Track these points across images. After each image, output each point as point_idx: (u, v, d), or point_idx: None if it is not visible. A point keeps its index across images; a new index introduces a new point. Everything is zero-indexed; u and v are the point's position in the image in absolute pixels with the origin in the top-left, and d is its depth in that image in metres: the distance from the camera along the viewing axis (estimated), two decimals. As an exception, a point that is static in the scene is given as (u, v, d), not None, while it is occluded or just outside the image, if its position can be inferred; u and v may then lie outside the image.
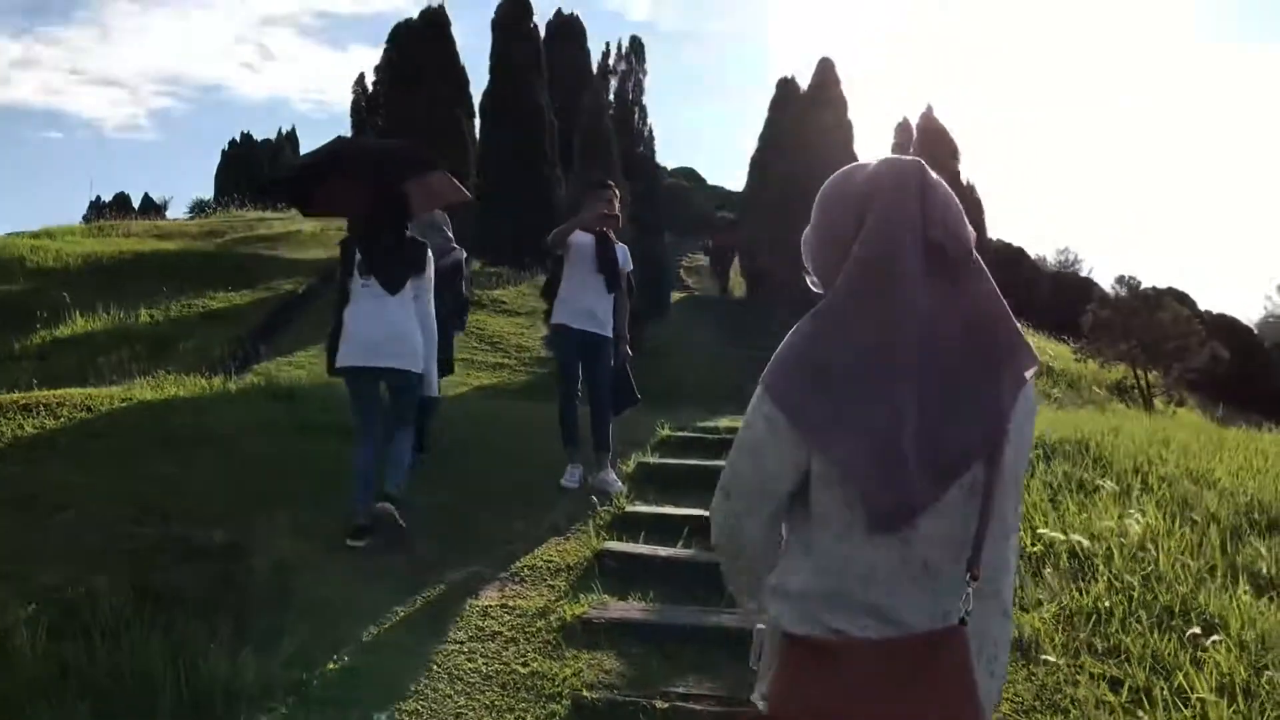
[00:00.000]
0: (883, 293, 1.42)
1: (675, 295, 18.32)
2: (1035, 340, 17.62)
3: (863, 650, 1.38)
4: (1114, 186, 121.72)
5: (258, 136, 41.13)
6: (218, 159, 39.81)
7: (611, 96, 17.36)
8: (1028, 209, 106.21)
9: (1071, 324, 18.10)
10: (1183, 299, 21.19)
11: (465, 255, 6.57)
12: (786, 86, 19.93)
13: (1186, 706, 3.27)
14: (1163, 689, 3.36)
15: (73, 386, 7.57)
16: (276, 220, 22.02)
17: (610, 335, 5.94)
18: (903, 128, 20.55)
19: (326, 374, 5.25)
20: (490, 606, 4.18)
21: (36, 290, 13.78)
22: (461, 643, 3.85)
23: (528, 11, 19.81)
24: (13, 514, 4.71)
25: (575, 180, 14.15)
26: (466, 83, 19.51)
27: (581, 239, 5.87)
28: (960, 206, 1.49)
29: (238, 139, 40.66)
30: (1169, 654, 3.58)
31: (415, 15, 19.83)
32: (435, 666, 3.65)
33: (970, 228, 1.49)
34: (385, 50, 20.28)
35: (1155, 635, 3.69)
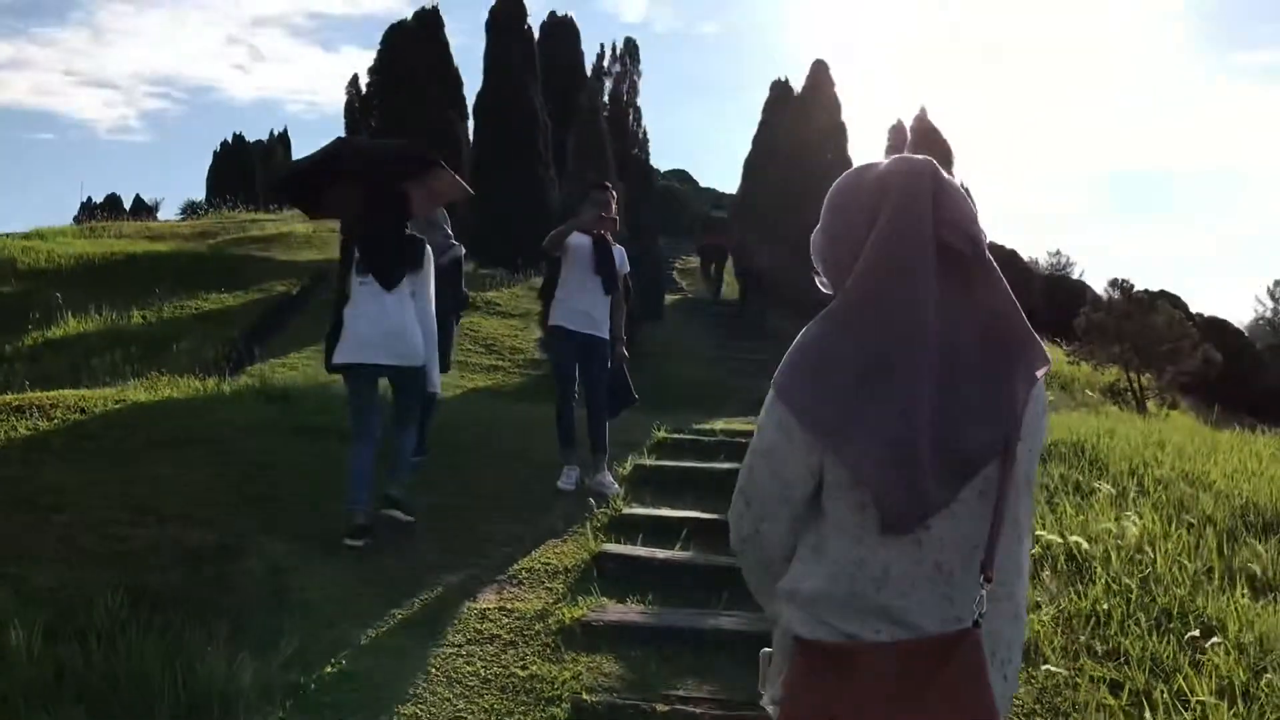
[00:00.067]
0: (894, 293, 1.41)
1: (669, 297, 18.29)
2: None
3: (875, 654, 1.37)
4: (1111, 187, 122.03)
5: (250, 138, 40.94)
6: (209, 160, 39.69)
7: (606, 98, 17.32)
8: (1022, 211, 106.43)
9: (1064, 327, 18.12)
10: (1175, 302, 21.26)
11: (464, 252, 6.59)
12: (780, 88, 19.96)
13: (1187, 709, 3.27)
14: (1163, 692, 3.36)
15: (66, 388, 7.54)
16: (269, 221, 21.94)
17: (607, 337, 5.94)
18: (896, 129, 20.53)
19: (325, 370, 5.24)
20: (488, 609, 4.16)
21: (28, 291, 13.70)
22: (459, 646, 3.83)
23: (522, 12, 19.77)
24: (7, 516, 4.68)
25: (569, 182, 14.12)
26: (460, 84, 19.47)
27: (579, 241, 5.87)
28: (972, 206, 1.48)
29: (229, 140, 40.52)
30: (1168, 657, 3.58)
31: (408, 16, 19.83)
32: (433, 669, 3.63)
33: (982, 227, 1.48)
34: (379, 51, 20.21)
35: (1154, 638, 3.70)
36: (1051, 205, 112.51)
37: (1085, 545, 4.44)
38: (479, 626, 4.00)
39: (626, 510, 5.39)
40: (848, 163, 18.08)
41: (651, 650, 3.82)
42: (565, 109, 17.81)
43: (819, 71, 19.31)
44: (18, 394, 6.84)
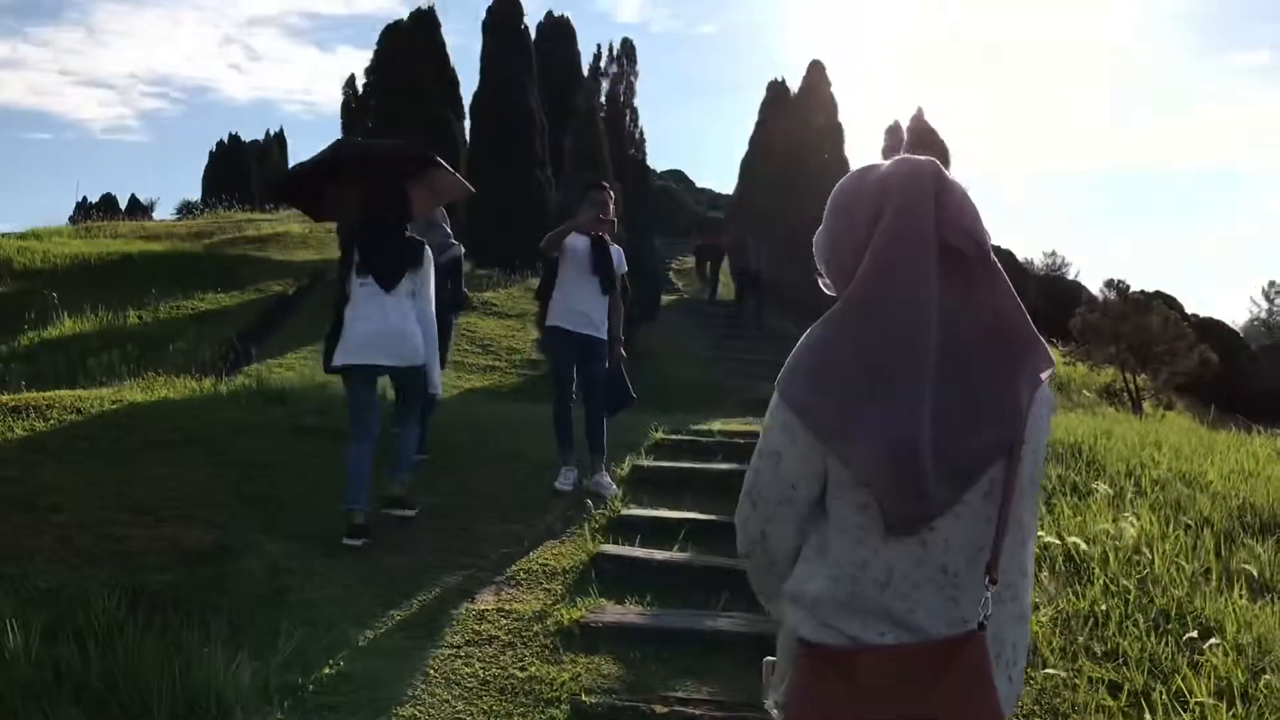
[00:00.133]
0: (898, 295, 1.41)
1: (665, 298, 18.28)
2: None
3: (879, 657, 1.36)
4: (1109, 187, 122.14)
5: (246, 138, 40.82)
6: (205, 160, 39.61)
7: (603, 98, 17.27)
8: (1018, 212, 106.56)
9: (1060, 328, 18.15)
10: (1170, 302, 21.29)
11: (463, 251, 6.60)
12: (777, 89, 19.97)
13: (1185, 711, 3.27)
14: (1161, 693, 3.36)
15: (62, 388, 7.52)
16: (265, 221, 21.92)
17: (605, 337, 5.93)
18: (893, 130, 20.54)
19: (323, 371, 5.25)
20: (486, 610, 4.16)
21: (24, 291, 13.68)
22: (458, 647, 3.83)
23: (518, 13, 19.76)
24: (4, 516, 4.67)
25: (566, 182, 14.12)
26: (457, 84, 19.44)
27: (577, 241, 5.86)
28: (976, 207, 1.48)
29: (225, 140, 40.43)
30: (1167, 658, 3.59)
31: (404, 16, 19.78)
32: (432, 671, 3.63)
33: (986, 228, 1.48)
34: (375, 51, 20.16)
35: (1152, 639, 3.70)
36: (1048, 205, 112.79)
37: (1083, 546, 4.44)
38: (477, 627, 3.99)
39: (624, 511, 5.38)
40: (844, 163, 18.11)
41: (650, 651, 3.81)
42: (562, 109, 17.80)
43: (815, 72, 19.34)
44: (14, 394, 6.82)
